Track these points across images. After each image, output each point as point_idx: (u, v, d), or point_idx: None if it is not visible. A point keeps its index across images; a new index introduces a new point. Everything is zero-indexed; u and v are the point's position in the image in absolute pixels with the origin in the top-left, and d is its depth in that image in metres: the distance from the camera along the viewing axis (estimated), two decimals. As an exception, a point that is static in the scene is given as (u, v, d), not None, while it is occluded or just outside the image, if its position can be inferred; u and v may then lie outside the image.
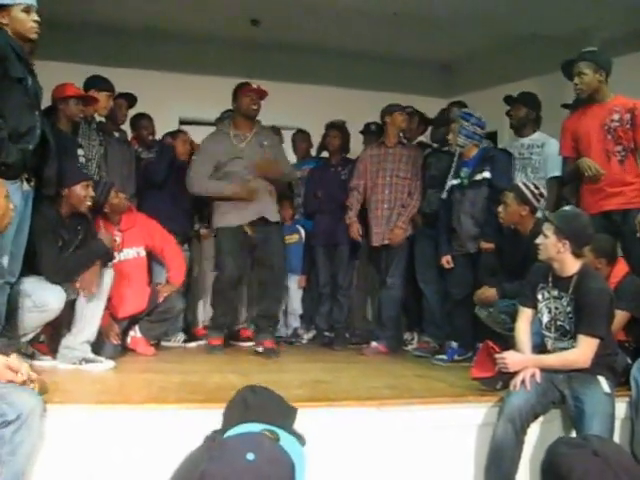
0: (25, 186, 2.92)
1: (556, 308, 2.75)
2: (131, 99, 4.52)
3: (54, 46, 4.20)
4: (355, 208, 4.52)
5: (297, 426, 2.07)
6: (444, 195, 4.01)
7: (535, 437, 2.67)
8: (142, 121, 4.70)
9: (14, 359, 2.28)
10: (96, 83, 4.00)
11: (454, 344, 3.98)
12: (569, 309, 2.70)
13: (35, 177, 3.00)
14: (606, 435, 2.45)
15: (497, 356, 2.75)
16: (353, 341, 4.77)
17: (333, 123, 4.90)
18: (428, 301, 4.39)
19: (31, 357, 3.22)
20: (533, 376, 2.65)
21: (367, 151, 4.59)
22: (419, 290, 4.44)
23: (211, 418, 2.11)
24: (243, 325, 4.73)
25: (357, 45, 5.95)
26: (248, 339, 4.51)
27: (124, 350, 3.81)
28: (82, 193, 3.34)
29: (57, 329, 3.38)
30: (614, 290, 2.94)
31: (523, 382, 2.64)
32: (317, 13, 5.33)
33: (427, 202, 4.38)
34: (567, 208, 2.92)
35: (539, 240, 2.75)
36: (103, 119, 4.21)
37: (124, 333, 3.87)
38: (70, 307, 3.28)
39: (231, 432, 1.71)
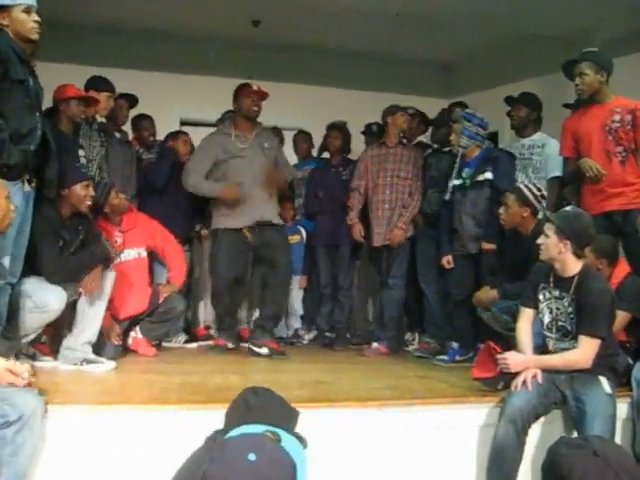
0: (26, 187, 2.92)
1: (557, 308, 2.75)
2: (132, 100, 4.52)
3: (54, 47, 4.20)
4: (356, 209, 4.52)
5: (298, 427, 2.07)
6: (447, 196, 4.00)
7: (536, 438, 2.67)
8: (143, 122, 4.70)
9: (16, 363, 2.28)
10: (96, 84, 4.00)
11: (455, 345, 3.98)
12: (570, 309, 2.70)
13: (36, 178, 3.00)
14: (607, 436, 2.45)
15: (498, 356, 2.75)
16: (354, 342, 4.78)
17: (334, 124, 4.91)
18: (429, 302, 4.39)
19: (32, 358, 3.22)
20: (534, 377, 2.65)
21: (368, 152, 4.60)
22: (420, 291, 4.44)
23: (212, 419, 2.10)
24: (244, 326, 4.73)
25: (357, 45, 5.95)
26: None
27: (125, 351, 3.81)
28: (82, 193, 3.34)
29: (58, 330, 3.38)
30: (615, 291, 2.94)
31: (524, 383, 2.64)
32: (317, 13, 5.33)
33: (428, 202, 4.38)
34: (568, 208, 2.91)
35: (540, 240, 2.75)
36: (104, 120, 4.21)
37: (125, 334, 3.86)
38: (71, 308, 3.28)
39: (232, 433, 1.71)
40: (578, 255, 2.70)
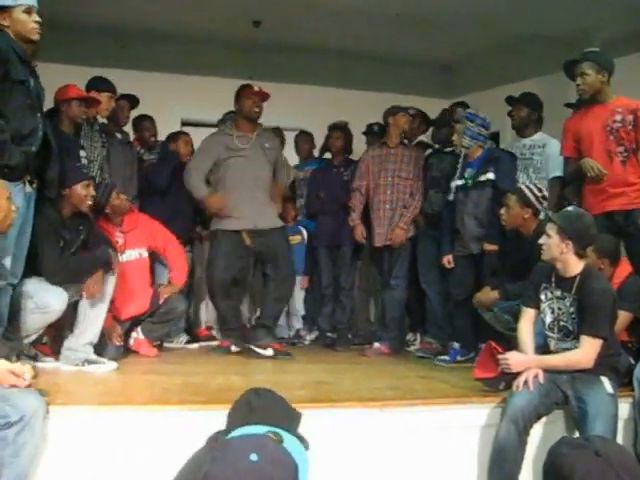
0: (27, 188, 2.92)
1: (559, 308, 2.75)
2: (133, 101, 4.53)
3: (55, 48, 4.20)
4: (358, 209, 4.52)
5: (300, 427, 2.07)
6: (451, 197, 3.98)
7: (538, 438, 2.66)
8: (144, 122, 4.71)
9: (18, 364, 2.28)
10: (97, 84, 4.01)
11: (456, 345, 3.98)
12: (572, 309, 2.70)
13: (37, 179, 3.00)
14: (609, 436, 2.45)
15: (500, 357, 2.75)
16: (355, 342, 4.77)
17: (336, 124, 4.91)
18: (430, 302, 4.39)
19: (34, 359, 3.22)
20: (536, 377, 2.65)
21: (369, 152, 4.60)
22: (422, 291, 4.44)
23: (214, 419, 2.10)
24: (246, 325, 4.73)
25: (358, 46, 5.95)
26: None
27: (126, 351, 3.81)
28: (83, 192, 3.34)
29: (59, 331, 3.39)
30: (617, 291, 2.94)
31: (526, 383, 2.64)
32: (318, 14, 5.33)
33: (429, 203, 4.39)
34: (570, 208, 2.91)
35: (542, 240, 2.75)
36: (105, 120, 4.21)
37: (126, 334, 3.87)
38: (73, 309, 3.28)
39: (234, 433, 1.70)
40: (580, 255, 2.70)
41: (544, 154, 4.02)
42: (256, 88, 4.11)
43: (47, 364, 3.26)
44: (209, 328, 4.80)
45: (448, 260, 4.03)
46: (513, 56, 5.74)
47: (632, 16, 4.74)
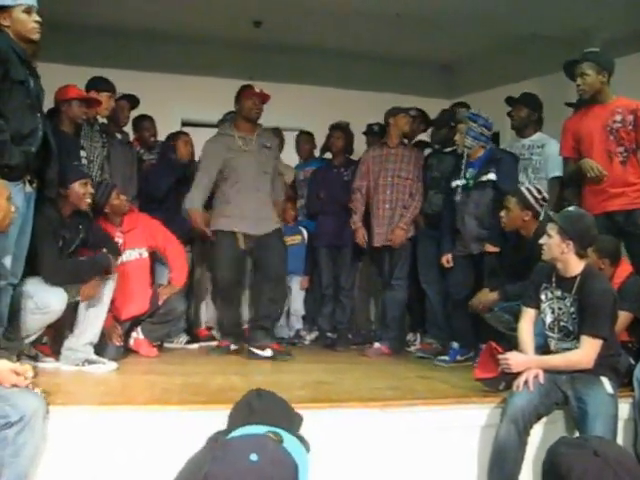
0: (27, 188, 2.92)
1: (559, 309, 2.75)
2: (133, 101, 4.53)
3: (55, 48, 4.20)
4: (360, 211, 4.51)
5: (300, 429, 2.07)
6: (457, 198, 3.94)
7: (538, 438, 2.66)
8: (144, 123, 4.70)
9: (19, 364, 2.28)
10: (97, 84, 4.00)
11: (455, 345, 3.98)
12: (572, 309, 2.70)
13: (37, 179, 3.00)
14: (609, 436, 2.45)
15: (500, 357, 2.75)
16: (356, 342, 4.77)
17: (337, 124, 4.92)
18: (431, 302, 4.39)
19: (34, 359, 3.22)
20: (536, 377, 2.65)
21: (369, 152, 4.60)
22: (422, 291, 4.44)
23: (214, 419, 2.10)
24: (245, 326, 4.72)
25: (358, 46, 5.95)
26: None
27: (127, 351, 3.81)
28: (81, 191, 3.34)
29: (60, 331, 3.39)
30: (617, 291, 2.94)
31: (526, 383, 2.64)
32: (319, 14, 5.33)
33: (429, 203, 4.39)
34: (571, 209, 2.90)
35: (543, 240, 2.75)
36: (105, 121, 4.21)
37: (126, 334, 3.87)
38: (73, 309, 3.29)
39: (234, 433, 1.71)
40: (580, 255, 2.70)
41: (543, 154, 4.02)
42: (257, 89, 4.11)
43: (47, 364, 3.27)
44: (209, 328, 4.79)
45: (447, 259, 4.04)
46: (513, 56, 5.74)
47: (632, 16, 4.73)
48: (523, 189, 3.52)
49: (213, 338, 4.56)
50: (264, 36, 5.73)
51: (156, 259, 4.28)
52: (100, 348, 3.45)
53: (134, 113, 4.63)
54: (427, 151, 4.69)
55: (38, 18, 2.90)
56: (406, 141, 4.56)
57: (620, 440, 2.69)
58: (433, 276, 4.32)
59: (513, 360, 2.70)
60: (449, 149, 4.32)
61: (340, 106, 5.65)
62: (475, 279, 3.89)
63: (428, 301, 4.41)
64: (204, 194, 4.13)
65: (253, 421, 1.77)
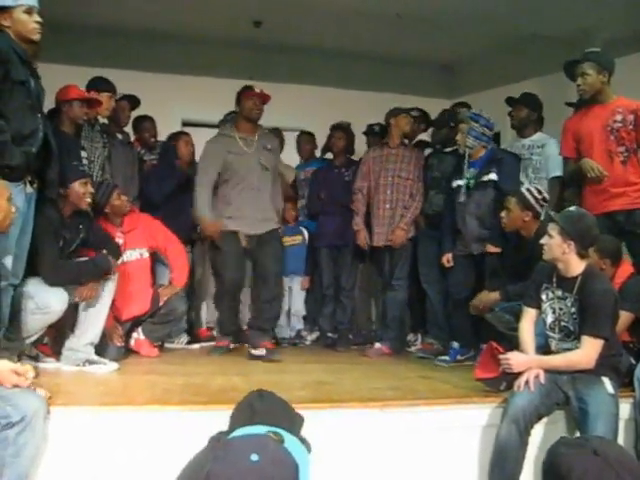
0: (28, 188, 2.92)
1: (560, 309, 2.75)
2: (134, 101, 4.53)
3: (55, 49, 4.20)
4: (361, 213, 4.51)
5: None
6: (462, 198, 3.92)
7: (539, 438, 2.66)
8: (144, 123, 4.71)
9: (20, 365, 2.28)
10: (97, 84, 4.01)
11: (455, 344, 3.98)
12: (573, 310, 2.70)
13: (38, 179, 3.00)
14: (610, 436, 2.45)
15: (501, 357, 2.75)
16: (356, 342, 4.77)
17: (338, 124, 4.91)
18: (431, 302, 4.39)
19: (35, 359, 3.22)
20: (537, 377, 2.65)
21: (370, 152, 4.60)
22: (423, 291, 4.44)
23: (214, 420, 2.10)
24: (245, 327, 4.72)
25: (358, 46, 5.95)
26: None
27: (127, 352, 3.81)
28: (81, 190, 3.34)
29: (60, 331, 3.39)
30: (618, 291, 2.93)
31: (527, 383, 2.64)
32: (319, 14, 5.33)
33: (429, 203, 4.39)
34: (572, 209, 2.90)
35: (544, 240, 2.74)
36: (106, 121, 4.21)
37: (127, 335, 3.87)
38: (73, 309, 3.29)
39: (235, 433, 1.71)
40: (582, 255, 2.69)
41: (543, 154, 4.03)
42: (257, 90, 4.11)
43: (48, 364, 3.27)
44: (210, 329, 4.80)
45: (447, 259, 4.04)
46: (513, 56, 5.74)
47: (632, 16, 4.73)
48: (523, 189, 3.52)
49: (214, 338, 4.55)
50: (264, 36, 5.73)
51: (157, 259, 4.28)
52: (101, 348, 3.45)
53: (134, 113, 4.62)
54: (427, 151, 4.69)
55: (39, 19, 2.90)
56: (407, 141, 4.56)
57: (621, 440, 2.69)
58: (434, 276, 4.32)
59: (514, 360, 2.70)
60: (449, 149, 4.32)
61: (340, 106, 5.65)
62: (476, 279, 3.89)
63: (428, 301, 4.41)
64: (210, 197, 4.09)
65: (254, 422, 1.78)
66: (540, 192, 3.48)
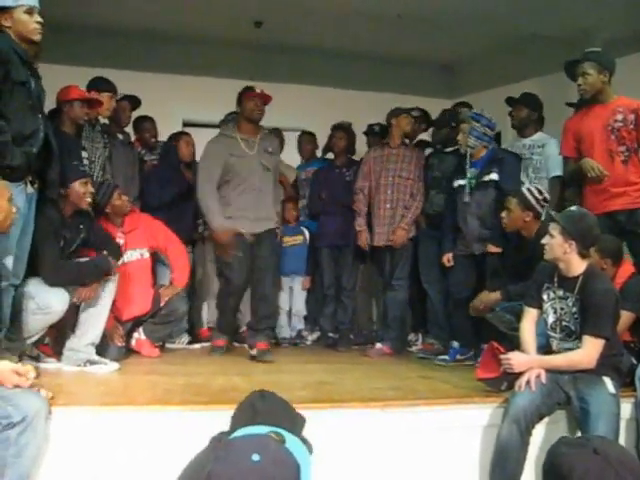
0: (29, 189, 2.92)
1: (561, 308, 2.75)
2: (134, 101, 4.53)
3: (55, 49, 4.19)
4: (363, 213, 4.50)
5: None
6: (466, 199, 3.90)
7: (540, 438, 2.66)
8: (145, 123, 4.71)
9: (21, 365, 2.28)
10: (98, 84, 4.01)
11: (455, 344, 3.98)
12: (574, 309, 2.70)
13: (39, 179, 3.00)
14: (611, 436, 2.45)
15: (502, 357, 2.75)
16: (357, 342, 4.77)
17: (340, 124, 4.92)
18: (432, 302, 4.39)
19: (36, 359, 3.22)
20: (538, 377, 2.65)
21: (371, 153, 4.60)
22: (424, 291, 4.44)
23: (215, 420, 2.11)
24: (245, 328, 4.72)
25: (359, 46, 5.96)
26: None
27: (128, 352, 3.81)
28: (81, 190, 3.34)
29: (61, 331, 3.39)
30: (619, 291, 2.93)
31: (528, 383, 2.64)
32: (320, 15, 5.33)
33: (430, 203, 4.39)
34: (573, 208, 2.90)
35: (545, 240, 2.74)
36: (107, 121, 4.22)
37: (128, 335, 3.87)
38: (74, 309, 3.29)
39: (237, 433, 1.71)
40: (583, 255, 2.69)
41: (543, 154, 4.03)
42: (258, 90, 4.10)
43: (49, 365, 3.27)
44: (211, 329, 4.79)
45: (448, 259, 4.04)
46: (513, 56, 5.74)
47: (632, 16, 4.74)
48: (524, 190, 3.52)
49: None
50: (264, 36, 5.73)
51: (158, 260, 4.28)
52: (102, 349, 3.45)
53: (135, 114, 4.63)
54: (428, 151, 4.69)
55: (40, 19, 2.90)
56: (407, 141, 4.56)
57: (622, 440, 2.69)
58: (434, 276, 4.33)
59: (515, 360, 2.70)
60: (450, 149, 4.32)
61: (341, 106, 5.66)
62: (477, 279, 3.89)
63: (429, 301, 4.41)
64: (219, 204, 4.00)
65: (256, 422, 1.78)
66: (541, 192, 3.48)
